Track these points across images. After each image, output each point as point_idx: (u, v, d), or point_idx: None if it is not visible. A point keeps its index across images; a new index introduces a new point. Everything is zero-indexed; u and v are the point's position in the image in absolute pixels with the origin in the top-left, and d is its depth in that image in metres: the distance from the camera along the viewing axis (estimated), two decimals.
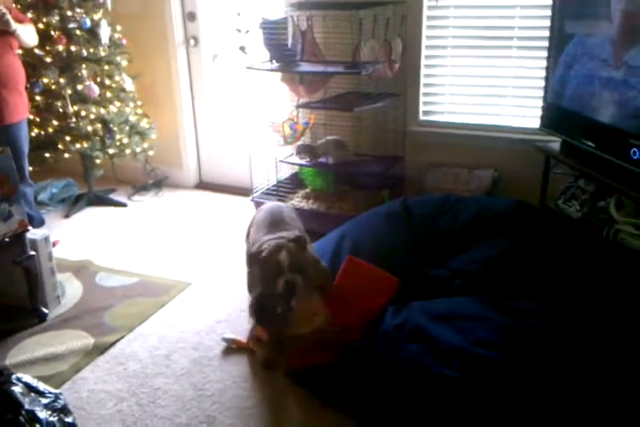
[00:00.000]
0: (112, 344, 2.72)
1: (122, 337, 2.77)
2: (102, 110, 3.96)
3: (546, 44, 3.12)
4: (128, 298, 3.09)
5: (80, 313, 2.96)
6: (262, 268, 2.38)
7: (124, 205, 4.33)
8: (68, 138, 3.88)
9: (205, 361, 2.60)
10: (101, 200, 4.35)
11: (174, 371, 2.55)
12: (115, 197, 4.46)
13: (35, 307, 2.90)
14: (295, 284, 2.27)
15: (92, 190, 4.34)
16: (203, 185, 4.67)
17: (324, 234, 3.17)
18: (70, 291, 3.17)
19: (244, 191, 4.31)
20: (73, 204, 4.28)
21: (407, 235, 2.92)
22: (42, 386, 1.65)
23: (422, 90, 3.75)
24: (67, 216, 4.14)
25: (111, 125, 3.99)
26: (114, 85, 4.08)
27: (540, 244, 2.67)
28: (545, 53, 3.13)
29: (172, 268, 3.42)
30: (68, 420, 1.60)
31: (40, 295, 2.92)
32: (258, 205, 3.72)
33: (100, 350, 2.68)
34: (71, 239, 3.79)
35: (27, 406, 1.51)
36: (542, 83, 3.18)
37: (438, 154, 3.70)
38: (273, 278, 2.30)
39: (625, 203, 2.64)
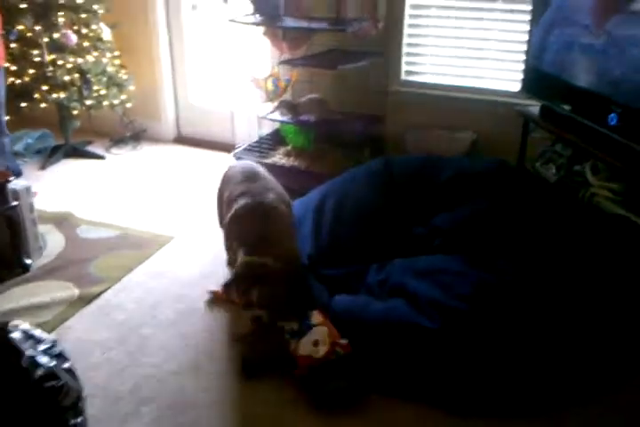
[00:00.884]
0: (97, 295, 2.76)
1: (107, 288, 2.81)
2: (79, 60, 3.89)
3: (529, 7, 3.16)
4: (111, 250, 3.12)
5: (63, 264, 2.98)
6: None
7: (102, 157, 4.29)
8: (44, 87, 3.81)
9: (191, 312, 2.67)
10: (78, 152, 4.31)
11: (160, 321, 2.61)
12: (92, 149, 4.41)
13: (18, 257, 2.91)
14: (262, 319, 2.25)
15: (69, 142, 4.29)
16: (181, 139, 4.65)
17: (305, 192, 3.22)
18: (52, 243, 3.18)
19: (222, 146, 4.31)
20: (49, 155, 4.23)
21: (389, 194, 2.98)
22: (38, 333, 1.69)
23: (405, 49, 3.75)
24: (43, 168, 4.10)
25: (88, 76, 3.93)
26: (91, 34, 4.01)
27: (518, 204, 2.76)
28: (528, 17, 3.17)
29: (154, 221, 3.44)
30: (66, 366, 1.65)
31: (23, 246, 2.93)
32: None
33: (86, 300, 2.72)
34: (49, 191, 3.76)
35: (27, 352, 1.55)
36: (524, 46, 3.22)
37: (419, 115, 3.73)
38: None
39: (600, 168, 2.74)
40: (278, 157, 3.78)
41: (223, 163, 4.12)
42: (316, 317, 2.33)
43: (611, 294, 2.40)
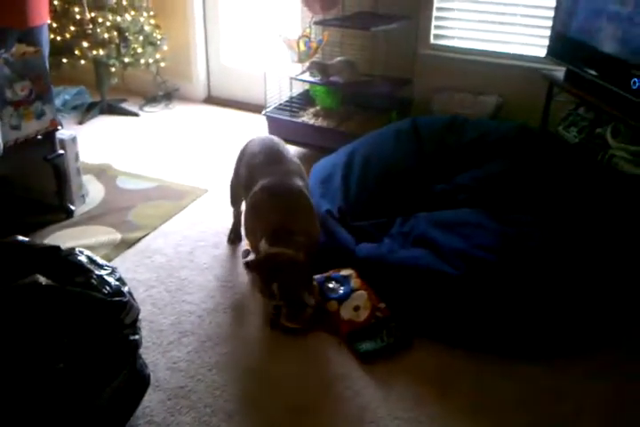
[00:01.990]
0: (138, 240, 2.94)
1: (147, 234, 2.99)
2: (118, 18, 4.01)
3: None
4: (149, 200, 3.29)
5: (105, 212, 3.16)
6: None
7: (136, 114, 4.44)
8: (85, 44, 3.95)
9: (226, 258, 2.84)
10: (113, 109, 4.46)
11: (198, 265, 2.78)
12: (126, 106, 4.56)
13: (62, 204, 3.09)
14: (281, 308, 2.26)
15: (105, 99, 4.44)
16: (211, 99, 4.77)
17: (331, 150, 3.33)
18: (93, 192, 3.35)
19: (251, 107, 4.44)
20: (86, 111, 4.38)
21: (415, 152, 3.11)
22: (99, 260, 1.86)
23: (435, 13, 3.84)
24: (81, 122, 4.26)
25: (127, 34, 4.06)
26: None
27: (539, 164, 2.88)
28: None
29: (188, 175, 3.60)
30: (126, 288, 1.82)
31: (67, 193, 3.10)
32: (270, 120, 3.87)
33: (128, 244, 2.90)
34: (88, 144, 3.91)
35: (96, 272, 1.72)
36: (552, 12, 3.30)
37: (446, 78, 3.83)
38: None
39: (621, 130, 2.85)
40: (307, 118, 3.89)
41: (252, 122, 4.27)
42: (356, 281, 2.47)
43: (626, 250, 2.53)
